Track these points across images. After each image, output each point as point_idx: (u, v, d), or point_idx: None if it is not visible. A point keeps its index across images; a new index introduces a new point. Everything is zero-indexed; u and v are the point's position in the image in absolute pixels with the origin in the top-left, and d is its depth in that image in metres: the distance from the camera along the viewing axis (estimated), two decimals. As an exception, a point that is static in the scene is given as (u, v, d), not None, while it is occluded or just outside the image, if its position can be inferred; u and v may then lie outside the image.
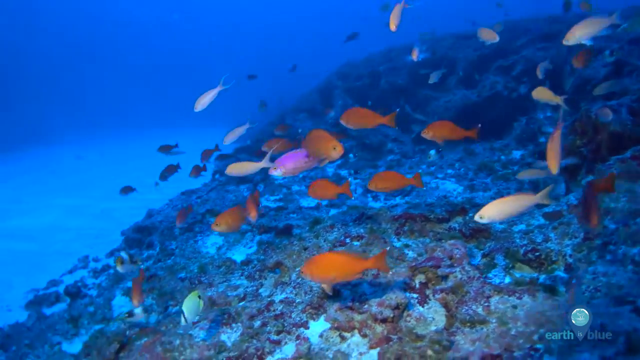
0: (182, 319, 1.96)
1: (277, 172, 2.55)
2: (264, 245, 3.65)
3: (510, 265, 2.93)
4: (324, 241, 3.02)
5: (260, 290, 2.90)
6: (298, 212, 5.04)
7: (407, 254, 2.78)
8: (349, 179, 6.87)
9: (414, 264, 2.35)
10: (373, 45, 11.31)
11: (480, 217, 2.11)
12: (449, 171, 6.43)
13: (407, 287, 2.24)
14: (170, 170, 5.47)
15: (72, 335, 3.38)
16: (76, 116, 22.81)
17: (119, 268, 3.14)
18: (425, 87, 8.61)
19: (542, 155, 6.13)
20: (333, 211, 5.06)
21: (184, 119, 18.64)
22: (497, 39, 3.83)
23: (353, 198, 5.69)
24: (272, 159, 4.09)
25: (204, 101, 3.53)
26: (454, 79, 8.34)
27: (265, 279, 3.06)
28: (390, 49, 10.19)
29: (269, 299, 2.65)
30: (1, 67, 27.58)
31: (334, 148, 2.31)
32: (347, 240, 2.96)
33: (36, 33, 33.17)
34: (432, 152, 6.43)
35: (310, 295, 2.53)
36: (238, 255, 3.82)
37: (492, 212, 2.13)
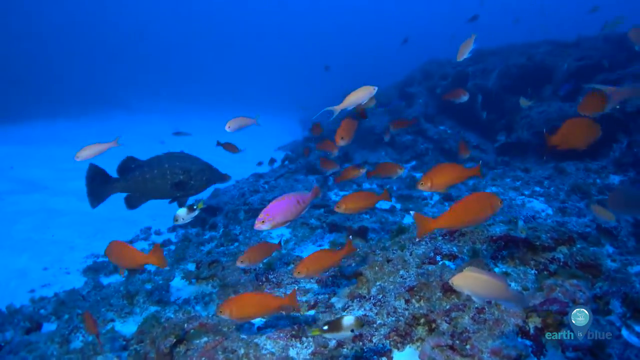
0: None
1: (265, 226, 2.21)
2: (337, 246, 3.33)
3: (628, 315, 2.47)
4: (410, 255, 2.66)
5: (332, 300, 2.58)
6: (371, 212, 4.69)
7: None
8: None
9: (532, 305, 1.94)
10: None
11: (452, 282, 1.69)
12: (537, 189, 5.87)
13: (520, 331, 1.86)
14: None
15: (127, 314, 3.20)
16: (158, 87, 23.41)
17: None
18: (517, 94, 8.02)
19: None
20: (409, 217, 4.68)
21: (256, 104, 18.85)
22: None
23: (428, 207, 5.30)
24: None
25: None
26: (550, 89, 7.68)
27: (339, 287, 2.74)
28: (480, 50, 9.58)
29: (344, 314, 2.33)
30: (82, 35, 28.79)
31: None
32: (438, 257, 2.59)
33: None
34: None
35: (394, 318, 2.18)
36: (307, 253, 3.53)
37: (464, 282, 1.66)
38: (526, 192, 5.70)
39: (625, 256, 3.31)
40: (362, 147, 8.46)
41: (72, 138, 12.73)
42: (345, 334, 1.74)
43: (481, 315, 1.93)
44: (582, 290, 2.02)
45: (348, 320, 1.74)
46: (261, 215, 2.20)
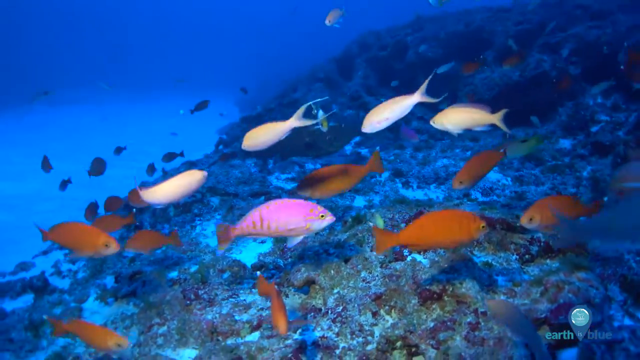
0: None
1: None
2: (281, 243, 2.82)
3: (630, 302, 2.11)
4: (372, 251, 2.18)
5: (281, 316, 2.07)
6: (318, 197, 4.19)
7: (497, 279, 1.94)
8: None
9: (541, 315, 1.49)
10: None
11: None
12: (489, 158, 5.57)
13: (532, 354, 1.42)
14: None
15: (28, 352, 2.57)
16: (84, 75, 21.61)
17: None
18: (459, 62, 7.71)
19: (596, 147, 5.30)
20: (360, 199, 4.23)
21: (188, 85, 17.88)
22: None
23: (381, 184, 4.86)
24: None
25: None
26: (491, 55, 7.40)
27: (287, 296, 2.23)
28: (419, 17, 9.22)
29: (297, 338, 1.82)
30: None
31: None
32: (406, 252, 2.12)
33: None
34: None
35: (361, 338, 1.70)
36: (247, 253, 2.99)
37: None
38: (479, 163, 5.39)
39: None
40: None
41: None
42: None
43: (476, 333, 1.48)
44: (594, 285, 1.60)
45: None
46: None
